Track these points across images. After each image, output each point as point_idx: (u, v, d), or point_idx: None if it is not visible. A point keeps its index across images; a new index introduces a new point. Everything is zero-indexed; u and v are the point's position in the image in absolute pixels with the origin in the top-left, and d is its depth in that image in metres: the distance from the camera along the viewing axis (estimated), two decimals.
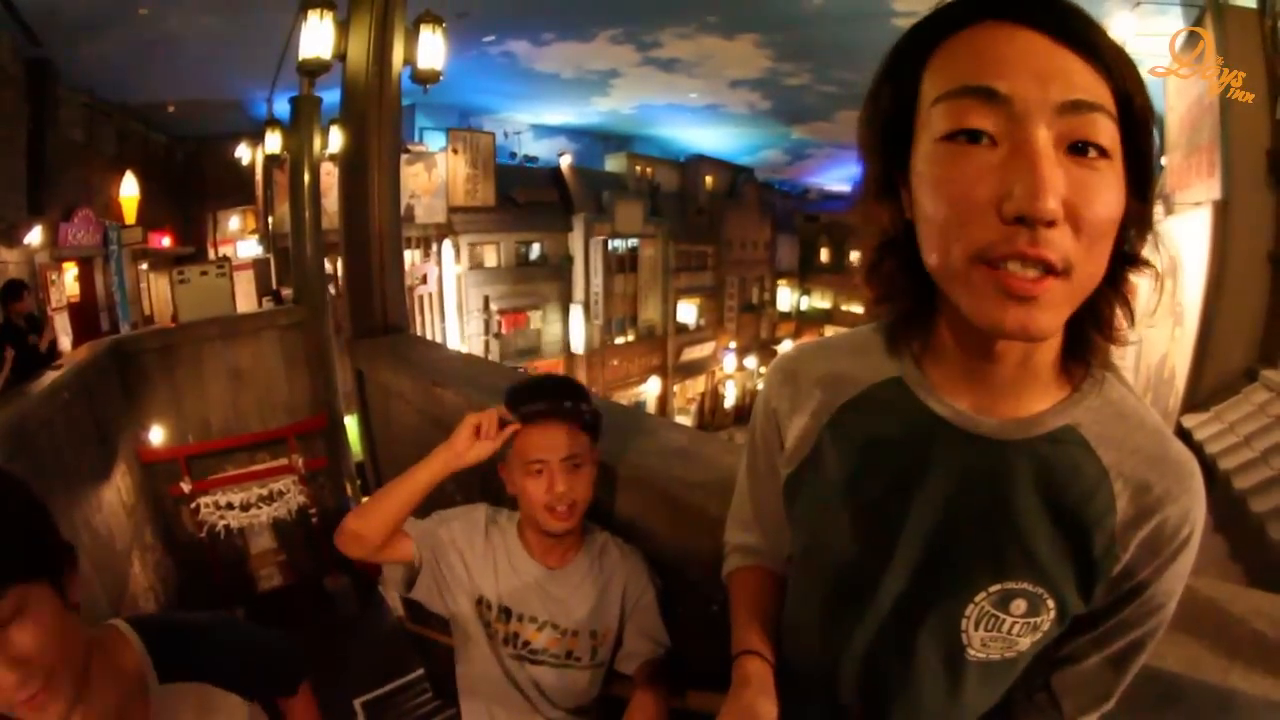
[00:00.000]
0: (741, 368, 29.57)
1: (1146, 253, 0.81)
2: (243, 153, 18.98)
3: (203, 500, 8.99)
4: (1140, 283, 0.83)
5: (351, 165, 4.59)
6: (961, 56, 0.75)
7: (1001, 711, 1.03)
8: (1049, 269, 0.71)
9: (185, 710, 1.26)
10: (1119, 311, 0.82)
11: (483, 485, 2.51)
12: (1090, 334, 0.83)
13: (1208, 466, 5.00)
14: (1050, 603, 0.88)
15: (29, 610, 1.01)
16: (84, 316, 13.53)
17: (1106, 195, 0.72)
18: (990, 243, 0.72)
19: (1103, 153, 0.72)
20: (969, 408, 0.89)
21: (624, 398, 24.65)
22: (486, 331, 21.56)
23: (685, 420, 27.28)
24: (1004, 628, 0.89)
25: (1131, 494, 0.85)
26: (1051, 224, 0.70)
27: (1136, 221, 0.78)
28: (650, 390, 26.78)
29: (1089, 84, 0.72)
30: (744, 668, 1.08)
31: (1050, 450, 0.86)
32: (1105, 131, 0.72)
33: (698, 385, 29.19)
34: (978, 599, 0.89)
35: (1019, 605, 0.88)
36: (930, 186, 0.77)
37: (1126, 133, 0.74)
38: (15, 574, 0.99)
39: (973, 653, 0.92)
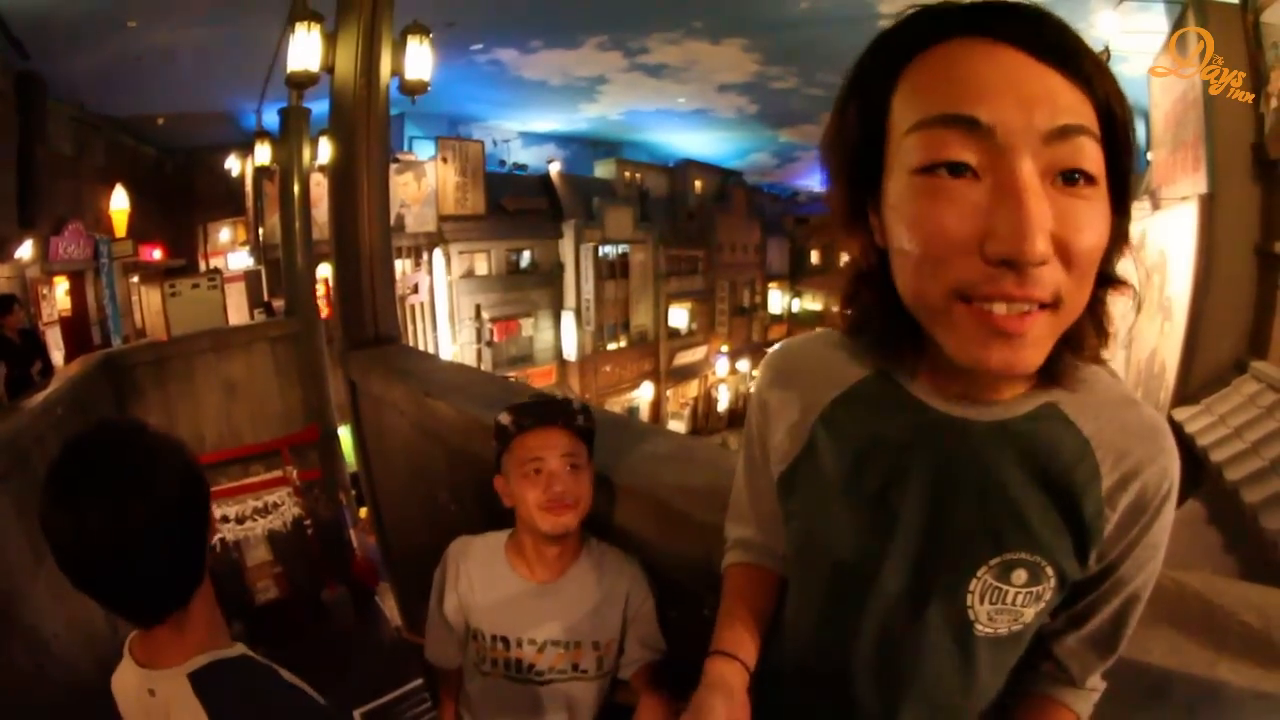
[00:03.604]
0: (734, 371, 29.57)
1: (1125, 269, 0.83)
2: (233, 164, 18.97)
3: None
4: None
5: (341, 176, 4.59)
6: (936, 80, 0.72)
7: (1010, 697, 1.04)
8: (1038, 304, 0.70)
9: None
10: (1092, 333, 0.82)
11: (478, 496, 2.52)
12: (1064, 352, 0.81)
13: (1199, 459, 5.02)
14: (1049, 570, 0.90)
15: None
16: (76, 330, 13.49)
17: (1097, 224, 0.71)
18: (972, 282, 0.70)
19: (1090, 179, 0.70)
20: (954, 395, 0.91)
21: (617, 403, 24.66)
22: (479, 340, 21.53)
23: (679, 425, 27.31)
24: (1008, 599, 0.91)
25: (1113, 461, 0.88)
26: (1041, 263, 0.68)
27: (1116, 238, 0.76)
28: (643, 395, 26.76)
29: (1074, 104, 0.69)
30: (712, 669, 1.07)
31: (1034, 427, 0.88)
32: (1091, 156, 0.70)
33: (691, 390, 29.17)
34: (980, 573, 0.90)
35: (1020, 575, 0.90)
36: (906, 222, 0.74)
37: (1110, 150, 0.72)
38: None
39: (980, 628, 0.93)
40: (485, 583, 1.86)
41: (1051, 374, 0.84)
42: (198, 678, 1.16)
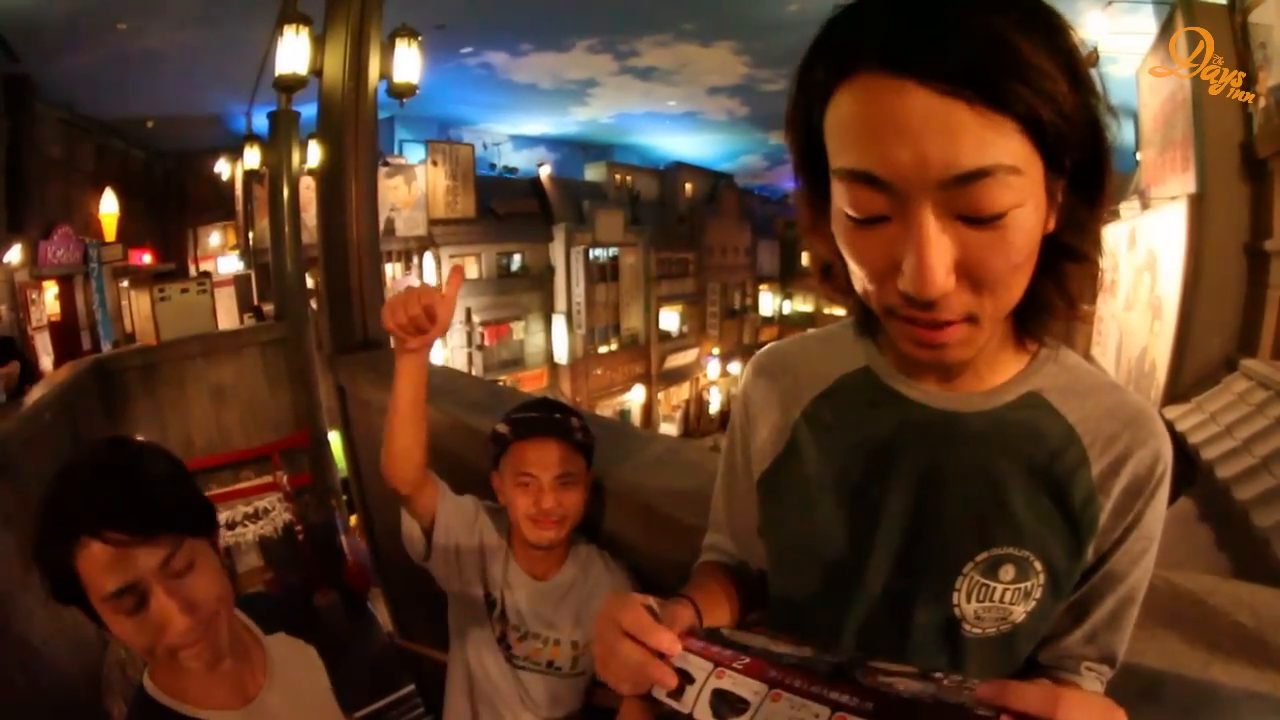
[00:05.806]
0: (725, 374, 29.55)
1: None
2: (222, 168, 18.95)
3: None
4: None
5: (329, 180, 4.56)
6: (845, 126, 0.73)
7: None
8: (950, 322, 0.75)
9: (285, 654, 1.48)
10: (1057, 298, 0.83)
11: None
12: (1035, 314, 0.84)
13: (1190, 458, 5.03)
14: (1038, 565, 0.89)
15: (199, 562, 1.18)
16: (65, 335, 13.45)
17: (1006, 249, 0.71)
18: (894, 304, 0.76)
19: (999, 215, 0.69)
20: (935, 388, 0.92)
21: (609, 407, 24.66)
22: (469, 344, 21.51)
23: (671, 428, 27.31)
24: (995, 596, 0.91)
25: (1102, 447, 0.89)
26: (943, 296, 0.72)
27: (1075, 225, 0.77)
28: (635, 399, 26.76)
29: (979, 141, 0.66)
30: (675, 601, 1.04)
31: (1017, 416, 0.90)
32: (1000, 193, 0.68)
33: (682, 392, 29.16)
34: (966, 569, 0.90)
35: (1007, 571, 0.89)
36: (843, 248, 0.80)
37: (1050, 151, 0.70)
38: (189, 528, 1.17)
39: (968, 628, 0.92)
40: (501, 558, 1.88)
41: (1028, 327, 0.87)
42: None
